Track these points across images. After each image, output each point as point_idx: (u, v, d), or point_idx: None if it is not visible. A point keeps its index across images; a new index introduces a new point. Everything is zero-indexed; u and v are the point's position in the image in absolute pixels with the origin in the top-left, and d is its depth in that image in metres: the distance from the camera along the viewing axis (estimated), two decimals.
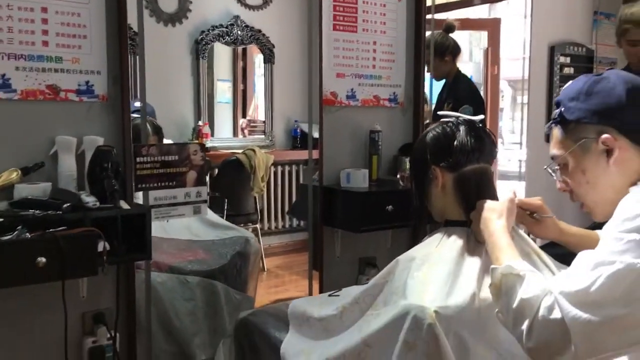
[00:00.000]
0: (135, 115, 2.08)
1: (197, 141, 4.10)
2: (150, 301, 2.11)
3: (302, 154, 4.12)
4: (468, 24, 4.86)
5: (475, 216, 1.35)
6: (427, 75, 2.81)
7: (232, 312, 2.46)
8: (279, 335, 1.53)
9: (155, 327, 2.24)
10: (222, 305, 2.48)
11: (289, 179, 4.67)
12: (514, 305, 1.02)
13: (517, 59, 3.96)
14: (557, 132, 1.17)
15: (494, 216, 1.28)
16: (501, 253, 1.18)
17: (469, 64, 6.58)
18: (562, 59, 3.06)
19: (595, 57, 3.20)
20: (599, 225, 1.17)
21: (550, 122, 1.18)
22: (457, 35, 3.18)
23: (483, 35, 4.99)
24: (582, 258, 0.98)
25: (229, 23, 4.42)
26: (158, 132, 2.74)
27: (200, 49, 4.30)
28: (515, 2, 5.21)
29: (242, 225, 3.60)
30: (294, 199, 4.62)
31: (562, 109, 1.14)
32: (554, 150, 1.18)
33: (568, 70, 3.09)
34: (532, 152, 3.15)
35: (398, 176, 2.50)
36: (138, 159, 1.94)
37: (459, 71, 3.06)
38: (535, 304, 0.98)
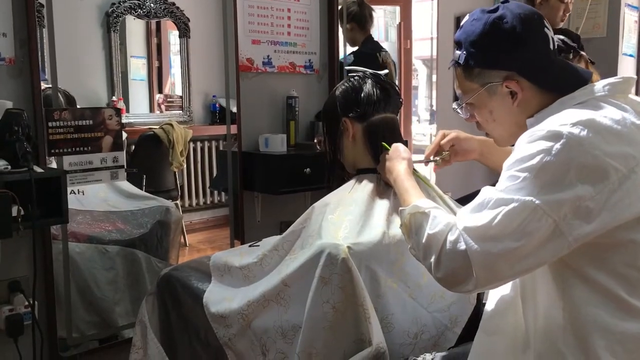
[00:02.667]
0: (44, 85, 2.03)
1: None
2: (69, 269, 2.08)
3: (222, 129, 4.08)
4: None
5: (380, 166, 1.45)
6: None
7: (154, 280, 2.46)
8: (202, 286, 1.57)
9: (76, 297, 2.21)
10: (143, 273, 2.47)
11: (208, 155, 4.63)
12: (423, 240, 1.09)
13: (429, 38, 4.12)
14: (461, 72, 1.20)
15: (396, 163, 1.38)
16: (407, 195, 1.27)
17: (386, 43, 6.74)
18: None
19: None
20: None
21: (453, 62, 1.21)
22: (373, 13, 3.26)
23: (397, 11, 5.14)
24: (485, 195, 1.05)
25: None
26: (71, 103, 2.67)
27: (111, 22, 4.16)
28: None
29: None
30: (214, 174, 4.59)
31: (465, 54, 1.17)
32: (460, 90, 1.23)
33: None
34: (441, 126, 3.33)
35: (315, 140, 2.57)
36: (50, 124, 1.90)
37: (366, 40, 3.16)
38: (442, 238, 1.05)
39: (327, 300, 1.26)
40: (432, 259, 1.07)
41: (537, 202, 0.98)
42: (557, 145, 0.99)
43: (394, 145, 1.44)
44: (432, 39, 3.79)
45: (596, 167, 0.98)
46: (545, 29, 1.15)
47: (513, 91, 1.14)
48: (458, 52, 1.20)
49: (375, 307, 1.29)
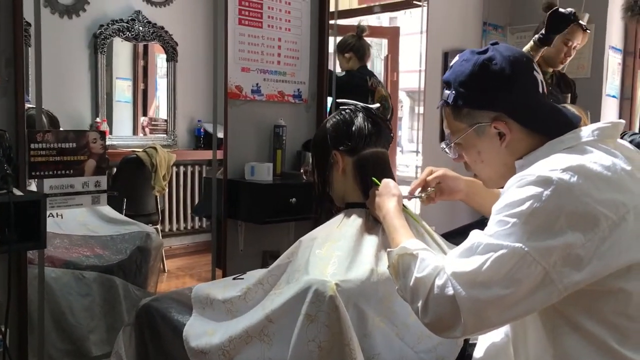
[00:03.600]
0: (27, 105, 1.99)
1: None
2: (43, 296, 2.01)
3: (206, 154, 4.04)
4: (370, 31, 5.04)
5: (370, 201, 1.43)
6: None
7: (131, 308, 2.40)
8: (182, 319, 1.52)
9: (49, 323, 2.14)
10: (120, 300, 2.41)
11: (191, 180, 4.58)
12: (411, 283, 1.07)
13: (415, 71, 4.17)
14: (449, 112, 1.20)
15: (385, 200, 1.36)
16: (396, 234, 1.25)
17: None
18: None
19: None
20: None
21: (442, 102, 1.21)
22: None
23: (384, 44, 5.20)
24: (474, 239, 1.03)
25: (130, 18, 4.29)
26: (54, 124, 2.63)
27: (98, 43, 4.14)
28: (413, 15, 5.47)
29: None
30: (196, 199, 4.54)
31: (454, 94, 1.16)
32: (448, 130, 1.22)
33: None
34: (427, 159, 3.34)
35: (302, 170, 2.56)
36: (32, 145, 1.85)
37: (360, 67, 3.24)
38: (429, 282, 1.03)
39: (313, 338, 1.22)
40: (420, 303, 1.05)
41: (526, 248, 0.96)
42: (547, 192, 0.98)
43: (384, 180, 1.42)
44: (420, 71, 3.83)
45: (586, 215, 0.97)
46: (535, 72, 1.15)
47: (501, 132, 1.14)
48: (447, 92, 1.19)
49: (362, 346, 1.25)
